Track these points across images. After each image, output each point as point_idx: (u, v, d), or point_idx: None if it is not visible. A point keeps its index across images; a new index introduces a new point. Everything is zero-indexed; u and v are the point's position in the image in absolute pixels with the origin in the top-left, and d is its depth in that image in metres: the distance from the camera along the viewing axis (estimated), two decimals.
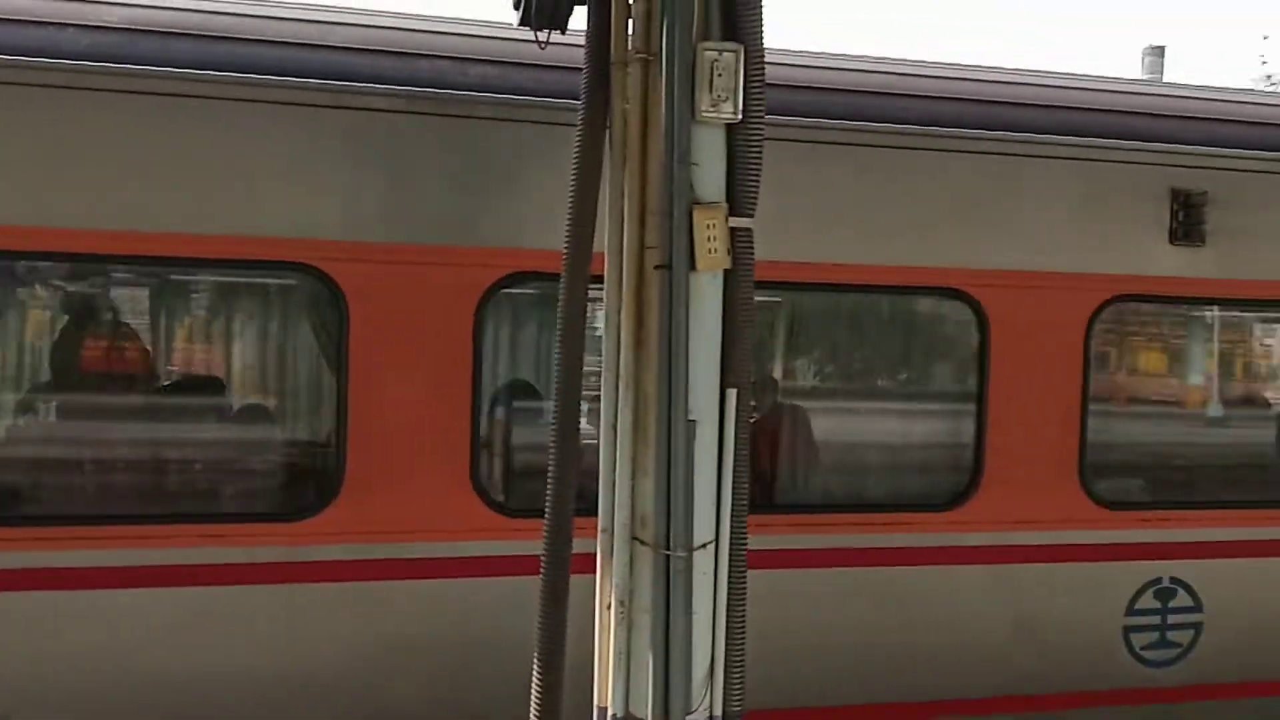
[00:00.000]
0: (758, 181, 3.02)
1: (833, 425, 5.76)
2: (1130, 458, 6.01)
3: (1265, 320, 6.64)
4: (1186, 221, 5.46)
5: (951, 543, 5.23)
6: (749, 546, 3.86)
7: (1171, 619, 5.57)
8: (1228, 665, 5.65)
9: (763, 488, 5.26)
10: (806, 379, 6.03)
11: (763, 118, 3.03)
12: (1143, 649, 5.53)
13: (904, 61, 5.75)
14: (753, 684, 4.17)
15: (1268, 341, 6.91)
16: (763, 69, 3.01)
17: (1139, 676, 5.53)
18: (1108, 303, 5.47)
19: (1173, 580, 5.56)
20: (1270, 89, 20.78)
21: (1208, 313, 6.26)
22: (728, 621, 3.04)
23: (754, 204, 3.02)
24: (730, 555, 3.03)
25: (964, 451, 5.34)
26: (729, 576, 3.04)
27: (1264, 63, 30.43)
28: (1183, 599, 5.58)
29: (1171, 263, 5.49)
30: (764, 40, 3.02)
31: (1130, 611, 5.51)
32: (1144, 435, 6.31)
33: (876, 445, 5.80)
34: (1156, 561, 5.52)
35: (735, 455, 3.02)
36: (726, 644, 3.04)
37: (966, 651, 5.26)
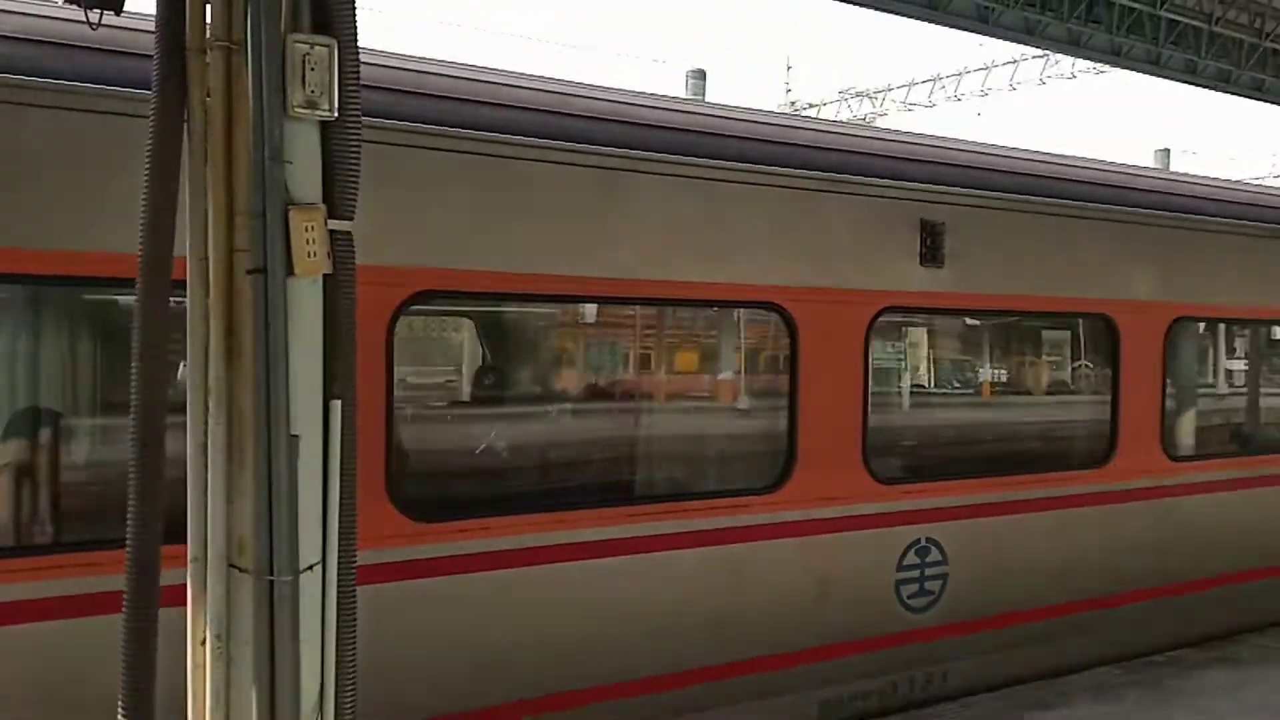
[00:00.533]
0: (356, 183, 2.89)
1: (687, 422, 6.66)
2: (894, 440, 7.10)
3: (989, 325, 8.04)
4: (932, 247, 6.57)
5: (772, 520, 6.01)
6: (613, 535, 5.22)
7: (928, 571, 6.68)
8: (967, 606, 6.86)
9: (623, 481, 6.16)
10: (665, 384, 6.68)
11: (360, 117, 2.89)
12: (908, 598, 6.61)
13: (723, 106, 6.58)
14: (622, 656, 5.56)
15: (987, 343, 8.31)
16: (358, 65, 2.87)
17: (905, 621, 6.61)
18: (880, 313, 6.47)
19: (928, 540, 6.67)
20: (795, 113, 23.59)
21: (947, 321, 7.67)
22: (338, 645, 2.89)
23: (353, 206, 2.88)
24: (339, 576, 2.88)
25: (781, 441, 6.12)
26: (338, 598, 2.88)
27: (789, 90, 34.48)
28: (935, 555, 6.70)
29: (922, 281, 6.56)
30: (358, 35, 2.90)
31: (899, 567, 6.56)
32: (903, 421, 7.47)
33: (720, 438, 6.64)
34: (916, 525, 6.62)
35: (341, 470, 2.87)
36: (337, 669, 2.88)
37: (785, 611, 6.14)
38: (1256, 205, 8.90)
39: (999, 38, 6.87)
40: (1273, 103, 7.84)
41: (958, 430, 7.96)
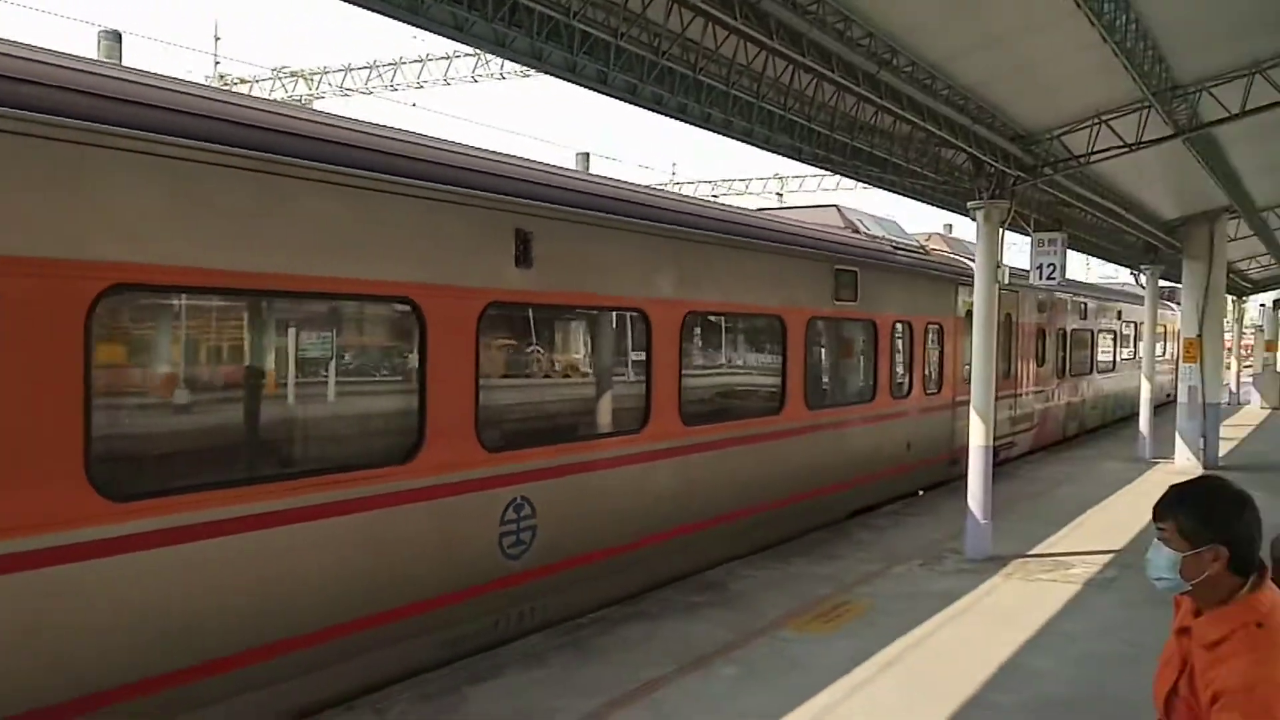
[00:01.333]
0: None
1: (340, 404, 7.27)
2: (496, 414, 8.06)
3: (570, 318, 9.40)
4: (525, 251, 7.80)
5: (408, 486, 6.96)
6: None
7: (522, 524, 7.90)
8: (552, 551, 8.20)
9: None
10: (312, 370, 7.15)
11: None
12: (508, 548, 7.77)
13: (370, 124, 7.29)
14: (292, 615, 6.27)
15: (564, 333, 9.76)
16: None
17: (505, 568, 7.79)
18: (487, 307, 7.54)
19: (522, 498, 7.89)
20: (223, 87, 22.16)
21: (535, 315, 8.66)
22: None
23: None
24: None
25: (414, 418, 7.07)
26: None
27: (218, 62, 32.30)
28: (527, 510, 7.94)
29: (517, 280, 7.78)
30: None
31: (501, 522, 7.72)
32: (502, 398, 8.39)
33: (367, 417, 7.48)
34: (514, 486, 7.83)
35: None
36: None
37: (417, 565, 7.10)
38: (749, 225, 11.30)
39: (428, 30, 6.93)
40: (671, 116, 8.74)
41: (542, 404, 9.14)
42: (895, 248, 15.04)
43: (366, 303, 7.04)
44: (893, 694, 7.05)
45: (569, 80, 7.95)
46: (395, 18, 6.64)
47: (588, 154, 23.80)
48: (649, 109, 8.41)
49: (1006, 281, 16.55)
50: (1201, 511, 2.81)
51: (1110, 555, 11.39)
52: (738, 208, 13.28)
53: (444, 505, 7.23)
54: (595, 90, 8.24)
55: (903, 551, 11.50)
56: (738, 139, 9.56)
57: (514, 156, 8.45)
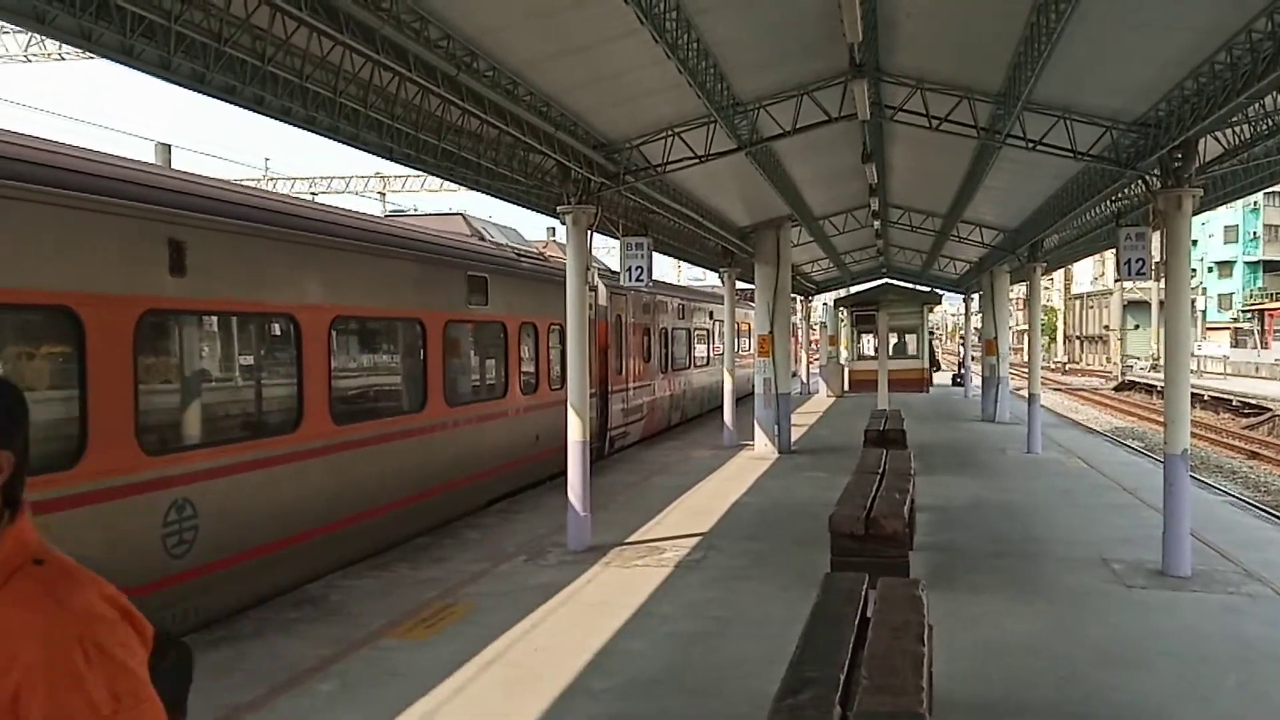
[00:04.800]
0: None
1: None
2: (157, 419, 8.22)
3: (227, 324, 9.55)
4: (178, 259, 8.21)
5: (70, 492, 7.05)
6: None
7: (185, 525, 8.15)
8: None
9: None
10: None
11: None
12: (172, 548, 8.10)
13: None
14: None
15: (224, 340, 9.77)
16: None
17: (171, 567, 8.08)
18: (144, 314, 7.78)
19: (185, 499, 8.16)
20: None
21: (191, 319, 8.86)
22: None
23: None
24: None
25: (75, 425, 7.15)
26: None
27: None
28: (189, 511, 8.23)
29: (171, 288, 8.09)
30: None
31: (165, 524, 7.95)
32: (168, 403, 8.55)
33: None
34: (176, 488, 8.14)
35: None
36: None
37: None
38: (392, 234, 12.17)
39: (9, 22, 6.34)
40: (245, 107, 8.24)
41: (206, 407, 9.00)
42: (518, 254, 16.10)
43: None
44: (494, 691, 7.10)
45: (162, 77, 7.28)
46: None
47: (169, 146, 21.95)
48: (219, 98, 7.88)
49: (595, 282, 17.46)
50: None
51: (698, 538, 12.22)
52: (377, 217, 14.81)
53: (105, 509, 7.36)
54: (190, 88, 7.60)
55: (508, 549, 11.66)
56: (324, 135, 9.22)
57: (168, 169, 8.96)
